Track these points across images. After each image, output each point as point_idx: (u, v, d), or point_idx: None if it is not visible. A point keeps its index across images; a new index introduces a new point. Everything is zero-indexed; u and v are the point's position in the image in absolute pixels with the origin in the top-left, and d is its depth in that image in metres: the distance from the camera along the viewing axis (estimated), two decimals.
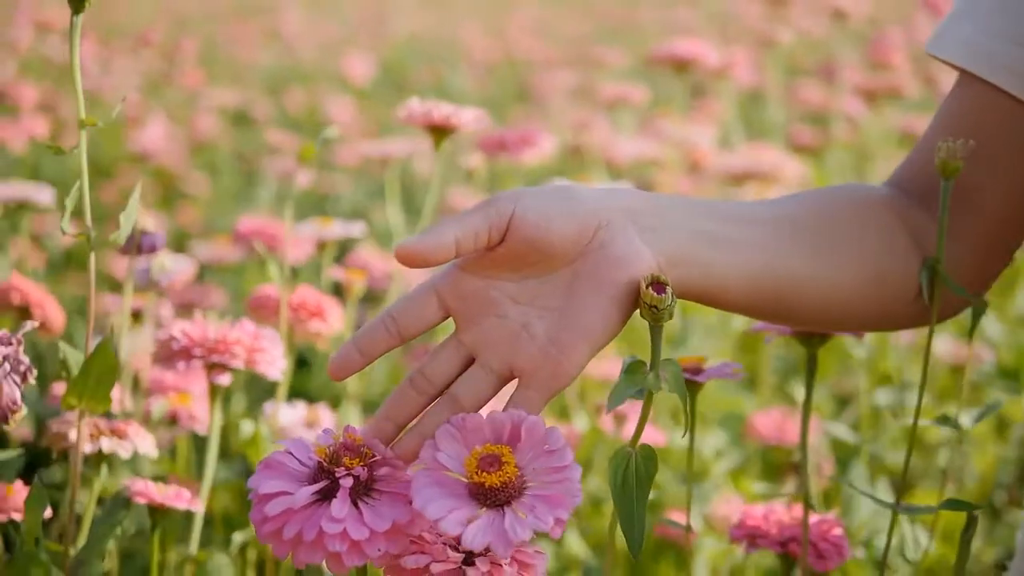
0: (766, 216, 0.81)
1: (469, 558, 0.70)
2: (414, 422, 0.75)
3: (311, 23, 5.93)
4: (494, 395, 0.75)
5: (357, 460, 0.71)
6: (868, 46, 3.02)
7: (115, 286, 1.97)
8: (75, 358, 0.92)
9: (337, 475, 0.70)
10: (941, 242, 0.82)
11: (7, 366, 0.90)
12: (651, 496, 1.23)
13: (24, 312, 1.35)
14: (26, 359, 0.90)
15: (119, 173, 3.21)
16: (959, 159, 0.80)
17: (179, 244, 2.48)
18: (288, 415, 1.21)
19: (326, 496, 0.69)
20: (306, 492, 0.69)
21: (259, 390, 1.60)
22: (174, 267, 1.25)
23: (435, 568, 0.69)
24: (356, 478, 0.70)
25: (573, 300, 0.74)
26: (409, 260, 0.73)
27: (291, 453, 0.72)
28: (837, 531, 0.96)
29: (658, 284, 0.71)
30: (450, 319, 0.76)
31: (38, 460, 1.31)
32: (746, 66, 2.50)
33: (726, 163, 1.86)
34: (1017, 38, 0.85)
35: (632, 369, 0.72)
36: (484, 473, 0.68)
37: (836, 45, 3.10)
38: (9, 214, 1.61)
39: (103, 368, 0.89)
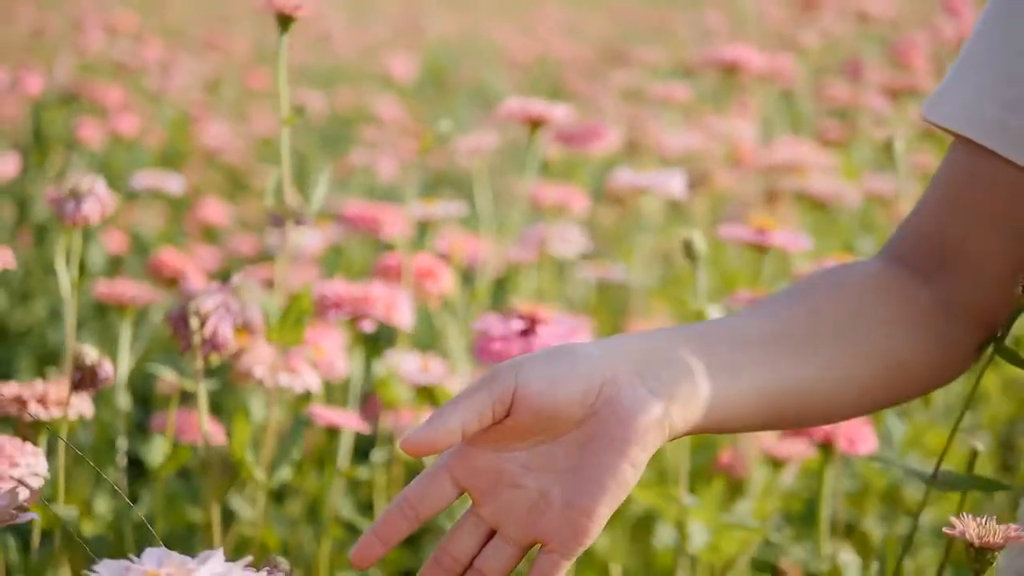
0: (763, 332, 0.81)
1: None
2: None
3: (351, 26, 6.16)
4: (517, 564, 0.76)
5: None
6: (891, 47, 3.23)
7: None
8: (273, 303, 1.15)
9: None
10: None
11: (222, 310, 1.12)
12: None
13: (174, 281, 1.59)
14: (236, 305, 1.13)
15: (188, 167, 3.43)
16: None
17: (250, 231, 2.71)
18: (408, 362, 1.43)
19: None
20: None
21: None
22: (309, 240, 1.48)
23: None
24: None
25: (586, 460, 0.74)
26: (417, 451, 0.73)
27: None
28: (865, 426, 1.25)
29: None
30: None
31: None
32: (788, 70, 2.71)
33: (769, 156, 2.08)
34: (1011, 103, 0.85)
35: None
36: None
37: (861, 46, 3.31)
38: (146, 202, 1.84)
39: (300, 310, 1.11)
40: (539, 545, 0.75)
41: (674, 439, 0.76)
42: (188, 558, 0.64)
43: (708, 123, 2.41)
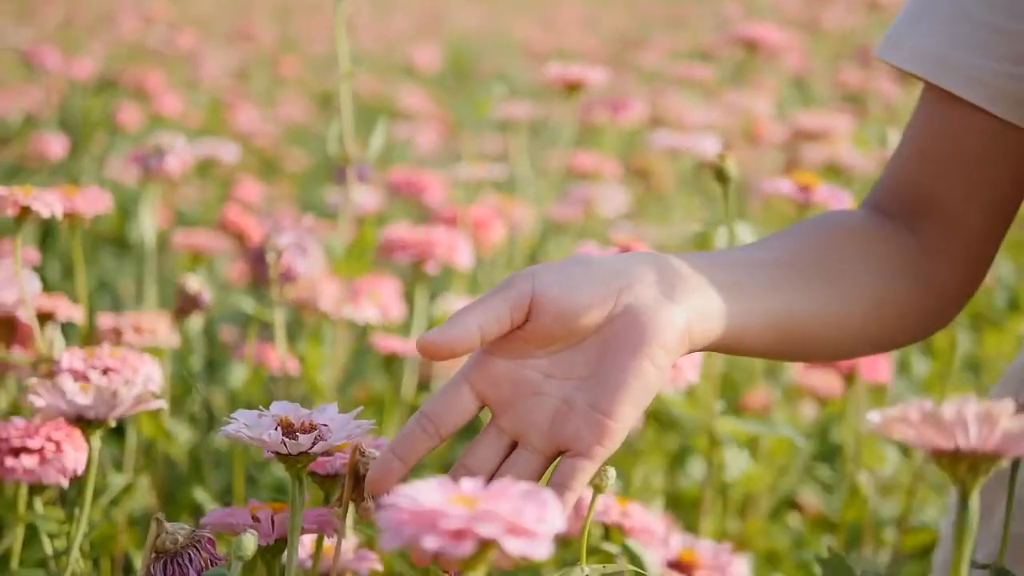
0: (765, 260, 0.81)
1: None
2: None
3: (374, 18, 6.29)
4: (541, 476, 0.74)
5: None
6: None
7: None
8: (336, 242, 1.27)
9: None
10: None
11: (295, 246, 1.25)
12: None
13: (241, 237, 1.71)
14: (309, 242, 1.25)
15: None
16: None
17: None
18: (460, 304, 1.55)
19: None
20: None
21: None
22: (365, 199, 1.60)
23: None
24: None
25: (607, 364, 0.73)
26: (434, 352, 0.72)
27: None
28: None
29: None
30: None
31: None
32: (799, 50, 2.83)
33: (796, 122, 2.18)
34: (978, 47, 0.84)
35: None
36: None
37: (872, 33, 3.42)
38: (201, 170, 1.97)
39: (365, 244, 1.24)
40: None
41: (693, 351, 0.76)
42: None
43: (727, 100, 2.53)
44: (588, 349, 0.74)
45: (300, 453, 0.73)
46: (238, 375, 1.42)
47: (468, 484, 0.56)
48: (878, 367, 1.40)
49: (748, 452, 1.27)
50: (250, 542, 0.67)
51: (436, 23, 6.56)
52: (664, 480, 1.62)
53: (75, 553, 0.83)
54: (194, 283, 1.21)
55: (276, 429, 0.73)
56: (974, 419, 0.57)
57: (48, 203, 0.90)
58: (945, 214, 0.86)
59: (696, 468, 1.62)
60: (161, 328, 1.18)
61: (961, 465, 0.58)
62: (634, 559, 0.95)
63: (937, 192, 0.86)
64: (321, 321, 1.40)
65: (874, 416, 0.59)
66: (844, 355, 0.88)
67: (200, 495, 1.26)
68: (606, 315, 0.73)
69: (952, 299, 0.88)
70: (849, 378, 1.39)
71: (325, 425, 0.74)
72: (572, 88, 1.60)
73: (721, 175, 1.03)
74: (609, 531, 0.99)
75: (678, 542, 1.03)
